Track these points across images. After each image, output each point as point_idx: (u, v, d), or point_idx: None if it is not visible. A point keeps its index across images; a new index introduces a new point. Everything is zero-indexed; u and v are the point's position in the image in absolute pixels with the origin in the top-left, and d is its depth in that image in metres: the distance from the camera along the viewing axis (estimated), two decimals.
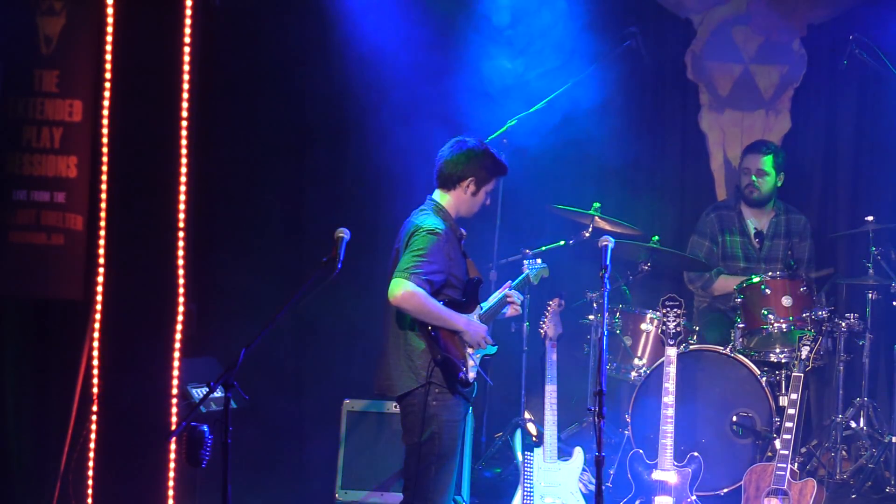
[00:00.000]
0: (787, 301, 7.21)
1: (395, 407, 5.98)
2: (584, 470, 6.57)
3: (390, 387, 5.51)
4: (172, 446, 5.74)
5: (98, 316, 5.85)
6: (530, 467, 6.31)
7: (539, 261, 6.11)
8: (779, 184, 7.84)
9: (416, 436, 5.44)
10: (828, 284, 7.86)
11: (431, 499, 5.45)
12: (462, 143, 5.62)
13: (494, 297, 5.73)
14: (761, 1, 8.32)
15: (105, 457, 5.87)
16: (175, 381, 5.81)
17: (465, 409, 5.57)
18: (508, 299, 5.72)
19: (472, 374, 5.51)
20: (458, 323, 5.48)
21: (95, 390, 5.86)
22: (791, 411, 6.39)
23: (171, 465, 5.78)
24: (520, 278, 5.92)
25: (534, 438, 6.32)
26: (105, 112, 5.83)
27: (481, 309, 5.64)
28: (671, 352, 6.51)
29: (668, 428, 6.35)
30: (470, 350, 5.53)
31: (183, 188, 5.81)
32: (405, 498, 5.54)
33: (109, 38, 5.81)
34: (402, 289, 5.32)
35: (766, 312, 7.20)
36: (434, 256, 5.39)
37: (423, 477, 5.44)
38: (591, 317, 7.47)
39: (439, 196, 5.62)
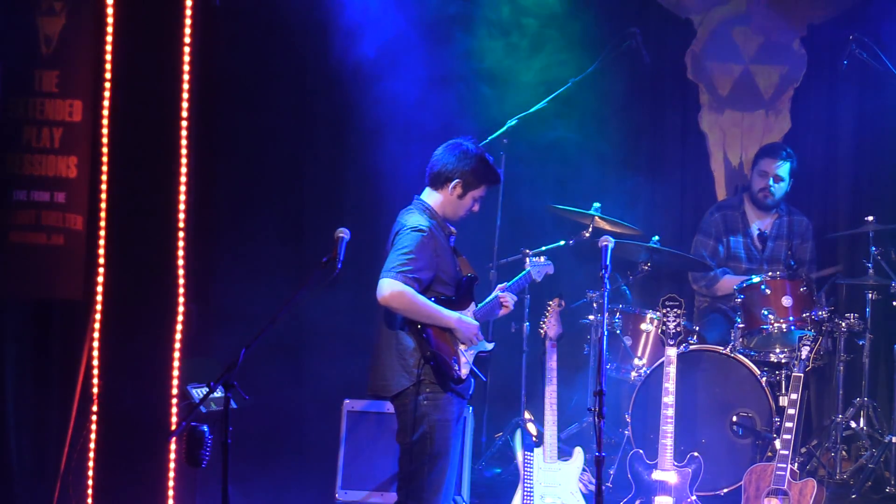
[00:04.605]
0: (787, 301, 7.20)
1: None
2: (584, 470, 6.56)
3: (384, 387, 5.46)
4: (172, 446, 5.73)
5: (98, 316, 5.84)
6: (530, 467, 6.30)
7: (542, 259, 6.09)
8: (788, 189, 7.84)
9: (408, 435, 5.42)
10: (828, 284, 7.86)
11: (425, 498, 5.42)
12: (457, 144, 5.59)
13: (489, 298, 5.72)
14: (761, 1, 8.32)
15: (105, 457, 5.87)
16: (175, 381, 5.80)
17: (459, 407, 5.52)
18: (502, 300, 5.70)
19: (464, 371, 5.48)
20: (448, 320, 5.43)
21: (95, 390, 5.86)
22: (791, 411, 6.39)
23: (171, 465, 5.78)
24: (516, 278, 5.89)
25: (534, 438, 6.31)
26: (105, 112, 5.82)
27: (475, 307, 5.63)
28: (671, 352, 6.51)
29: (668, 428, 6.35)
30: (462, 347, 5.51)
31: (183, 188, 5.80)
32: (399, 498, 5.51)
33: (109, 38, 5.80)
34: (389, 288, 5.28)
35: (766, 312, 7.19)
36: (420, 254, 5.35)
37: (416, 477, 5.41)
38: (591, 317, 7.47)
39: (427, 195, 5.59)
